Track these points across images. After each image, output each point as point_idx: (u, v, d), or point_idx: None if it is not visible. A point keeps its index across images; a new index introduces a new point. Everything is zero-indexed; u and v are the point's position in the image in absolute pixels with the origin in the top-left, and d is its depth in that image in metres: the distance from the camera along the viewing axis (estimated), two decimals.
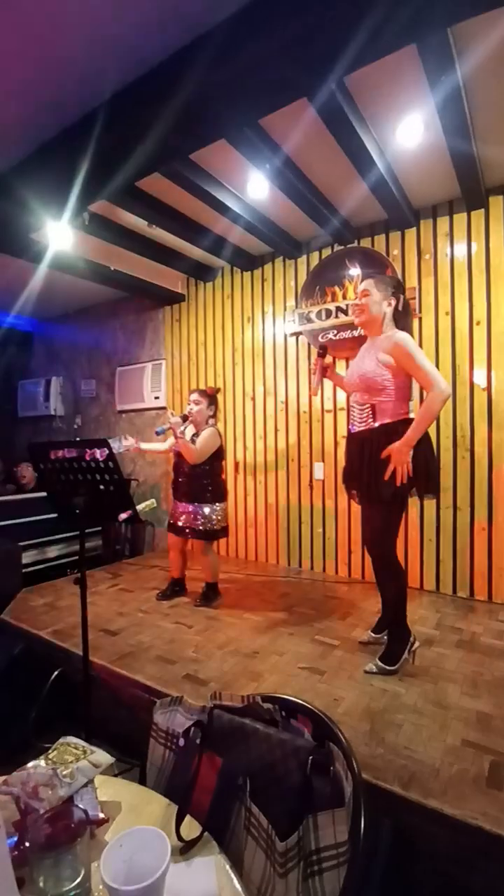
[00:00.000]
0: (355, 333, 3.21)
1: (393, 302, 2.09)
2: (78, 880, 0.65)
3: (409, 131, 2.26)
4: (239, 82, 1.80)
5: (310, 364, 3.56)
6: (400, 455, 1.91)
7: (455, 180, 2.63)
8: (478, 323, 2.89)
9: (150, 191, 2.78)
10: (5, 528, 3.64)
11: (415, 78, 1.94)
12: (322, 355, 2.30)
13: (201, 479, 2.78)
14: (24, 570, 3.47)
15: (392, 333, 2.03)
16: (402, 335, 1.99)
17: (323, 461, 3.52)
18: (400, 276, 3.13)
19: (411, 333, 2.14)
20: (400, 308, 2.10)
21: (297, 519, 3.66)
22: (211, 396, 2.88)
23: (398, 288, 2.13)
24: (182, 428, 2.70)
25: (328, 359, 2.36)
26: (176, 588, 3.01)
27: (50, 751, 0.87)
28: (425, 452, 1.97)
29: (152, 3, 1.60)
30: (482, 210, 2.85)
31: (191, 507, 2.79)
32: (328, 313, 3.37)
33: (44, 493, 2.24)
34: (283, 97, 1.87)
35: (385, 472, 1.93)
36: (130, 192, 2.65)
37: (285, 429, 3.70)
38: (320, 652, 2.21)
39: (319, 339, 3.42)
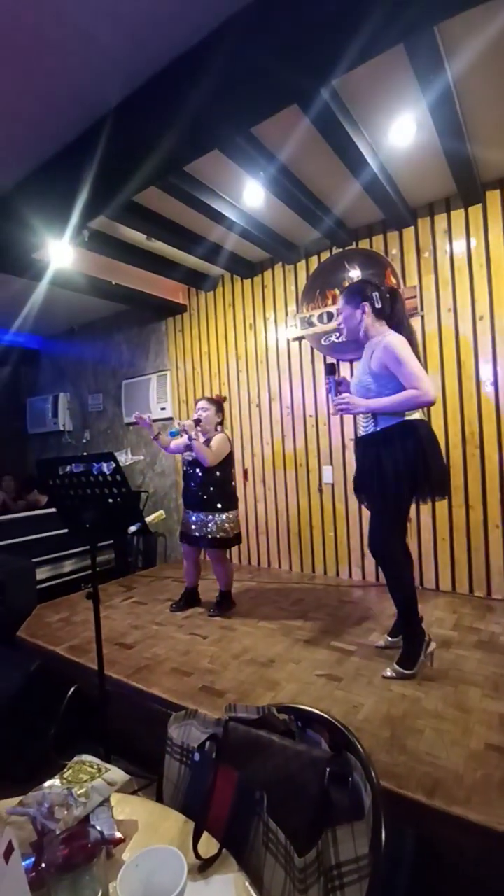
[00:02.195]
0: None
1: (366, 307, 2.05)
2: None
3: (401, 131, 2.26)
4: (232, 92, 1.82)
5: (314, 368, 3.56)
6: (350, 400, 1.94)
7: (450, 177, 2.62)
8: (481, 318, 2.87)
9: (146, 204, 2.81)
10: (19, 545, 3.67)
11: (405, 79, 1.95)
12: (332, 372, 2.27)
13: (212, 487, 2.78)
14: (38, 586, 3.48)
15: (382, 337, 1.99)
16: (391, 339, 1.94)
17: (331, 465, 3.50)
18: (400, 276, 3.12)
19: (405, 322, 2.06)
20: (378, 305, 2.05)
21: (308, 524, 3.64)
22: (218, 403, 2.89)
23: (367, 289, 2.07)
24: (194, 432, 2.71)
25: (339, 375, 2.32)
26: (189, 598, 3.00)
27: (65, 770, 0.86)
28: (425, 455, 1.92)
29: (142, 16, 1.62)
30: (479, 205, 2.84)
31: (203, 516, 2.79)
32: (329, 316, 3.37)
33: (54, 509, 2.27)
34: (275, 103, 1.88)
35: (384, 475, 1.92)
36: (128, 206, 2.68)
37: (292, 434, 3.70)
38: (337, 658, 2.18)
39: (322, 342, 3.42)
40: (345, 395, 1.97)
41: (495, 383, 2.83)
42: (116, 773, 0.86)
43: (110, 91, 1.96)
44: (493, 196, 2.80)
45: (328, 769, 0.80)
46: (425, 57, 1.79)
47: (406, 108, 2.13)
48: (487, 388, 2.86)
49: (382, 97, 2.08)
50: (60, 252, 2.96)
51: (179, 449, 2.86)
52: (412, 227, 3.08)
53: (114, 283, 3.67)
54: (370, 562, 3.34)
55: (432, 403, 1.91)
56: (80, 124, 2.12)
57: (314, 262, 3.52)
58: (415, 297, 3.05)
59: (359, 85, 1.98)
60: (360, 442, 2.10)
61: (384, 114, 2.18)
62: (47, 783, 0.83)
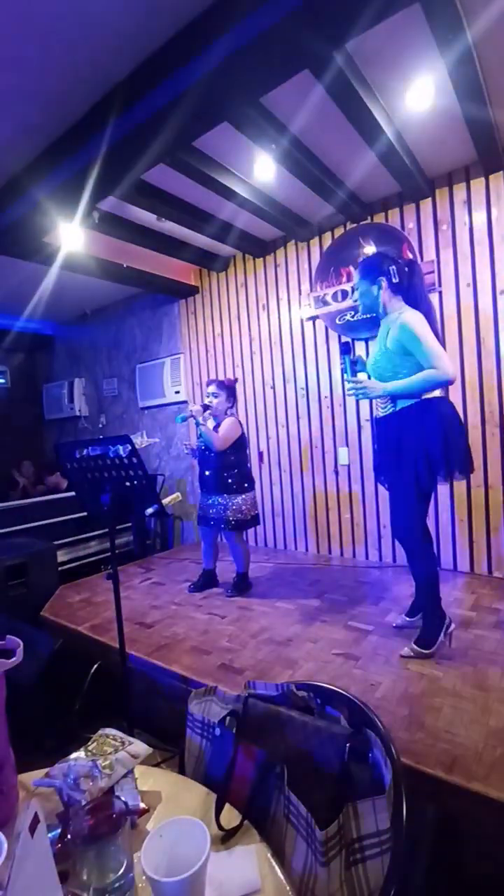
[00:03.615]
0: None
1: (383, 281, 1.99)
2: (121, 871, 0.66)
3: (419, 96, 2.15)
4: (241, 59, 1.75)
5: (329, 347, 3.50)
6: (367, 384, 1.92)
7: (470, 143, 2.51)
8: (502, 292, 2.78)
9: (156, 183, 2.76)
10: (40, 528, 3.74)
11: (423, 40, 1.85)
12: (347, 352, 2.23)
13: (227, 470, 2.78)
14: (60, 568, 3.56)
15: (400, 314, 1.93)
16: (408, 316, 1.89)
17: (347, 446, 3.47)
18: (417, 251, 3.03)
19: (424, 297, 2.00)
20: (395, 280, 1.98)
21: (325, 505, 3.64)
22: (229, 388, 2.87)
23: (384, 263, 2.01)
24: (202, 417, 2.71)
25: (355, 354, 2.28)
26: (207, 579, 3.04)
27: (89, 743, 0.88)
28: (446, 434, 1.87)
29: None
30: (501, 173, 2.72)
31: (219, 499, 2.80)
32: (344, 294, 3.29)
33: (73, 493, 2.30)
34: (286, 70, 1.81)
35: (402, 457, 1.89)
36: (137, 186, 2.63)
37: (307, 415, 3.66)
38: (354, 637, 2.19)
39: (336, 321, 3.36)
40: (361, 377, 1.93)
41: None
42: (139, 746, 0.87)
43: (117, 65, 1.91)
44: None
45: (348, 745, 0.80)
46: (443, 15, 1.69)
47: (424, 71, 2.03)
48: None
49: (399, 60, 1.98)
50: (71, 234, 2.93)
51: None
52: (429, 199, 2.98)
53: (125, 265, 3.64)
54: (387, 543, 3.33)
55: (452, 382, 1.87)
56: (88, 101, 2.07)
57: (327, 239, 3.43)
58: (432, 272, 2.97)
59: (374, 48, 1.89)
60: (379, 423, 2.07)
61: (401, 78, 2.08)
62: (72, 755, 0.85)
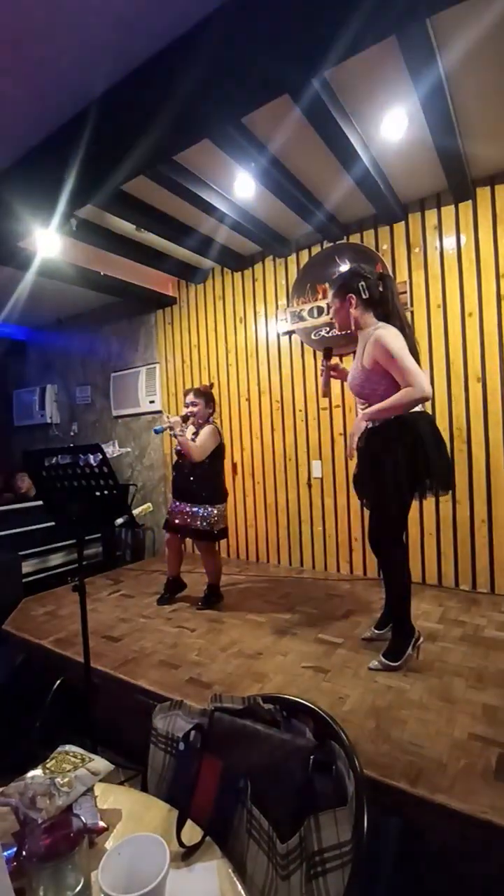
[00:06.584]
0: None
1: (353, 298, 2.01)
2: (78, 889, 0.64)
3: (393, 125, 2.25)
4: (221, 81, 1.80)
5: (304, 362, 3.56)
6: (353, 431, 1.98)
7: (441, 172, 2.63)
8: (469, 315, 2.89)
9: (136, 194, 2.77)
10: (5, 538, 3.63)
11: (397, 71, 1.94)
12: (328, 356, 2.24)
13: (202, 479, 2.77)
14: (25, 580, 3.46)
15: (374, 329, 1.94)
16: (381, 332, 1.89)
17: (321, 459, 3.51)
18: (390, 271, 3.12)
19: (396, 311, 2.00)
20: (365, 296, 1.99)
21: (297, 518, 3.65)
22: (206, 394, 2.86)
23: (354, 279, 2.01)
24: (179, 429, 2.69)
25: (334, 360, 2.30)
26: (173, 588, 3.00)
27: (48, 760, 0.85)
28: (426, 450, 1.88)
29: (131, 3, 1.60)
30: (469, 202, 2.85)
31: (189, 508, 2.78)
32: (320, 310, 3.36)
33: (41, 502, 2.24)
34: (265, 94, 1.86)
35: (381, 474, 1.92)
36: (117, 196, 2.64)
37: (282, 428, 3.70)
38: (324, 650, 2.20)
39: (312, 336, 3.42)
40: (353, 433, 2.00)
41: (483, 380, 2.86)
42: (100, 763, 0.85)
43: (97, 78, 1.92)
44: (483, 193, 2.81)
45: (312, 758, 0.80)
46: (417, 49, 1.78)
47: (398, 101, 2.12)
48: (475, 385, 2.89)
49: (374, 90, 2.07)
50: (47, 241, 2.91)
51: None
52: (403, 223, 3.09)
53: (102, 273, 3.62)
54: (358, 556, 3.36)
55: (427, 399, 1.86)
56: (67, 111, 2.08)
57: (305, 257, 3.51)
58: (405, 292, 3.06)
59: (351, 76, 1.97)
60: (360, 438, 2.09)
61: (376, 107, 2.17)
62: (30, 773, 0.82)
